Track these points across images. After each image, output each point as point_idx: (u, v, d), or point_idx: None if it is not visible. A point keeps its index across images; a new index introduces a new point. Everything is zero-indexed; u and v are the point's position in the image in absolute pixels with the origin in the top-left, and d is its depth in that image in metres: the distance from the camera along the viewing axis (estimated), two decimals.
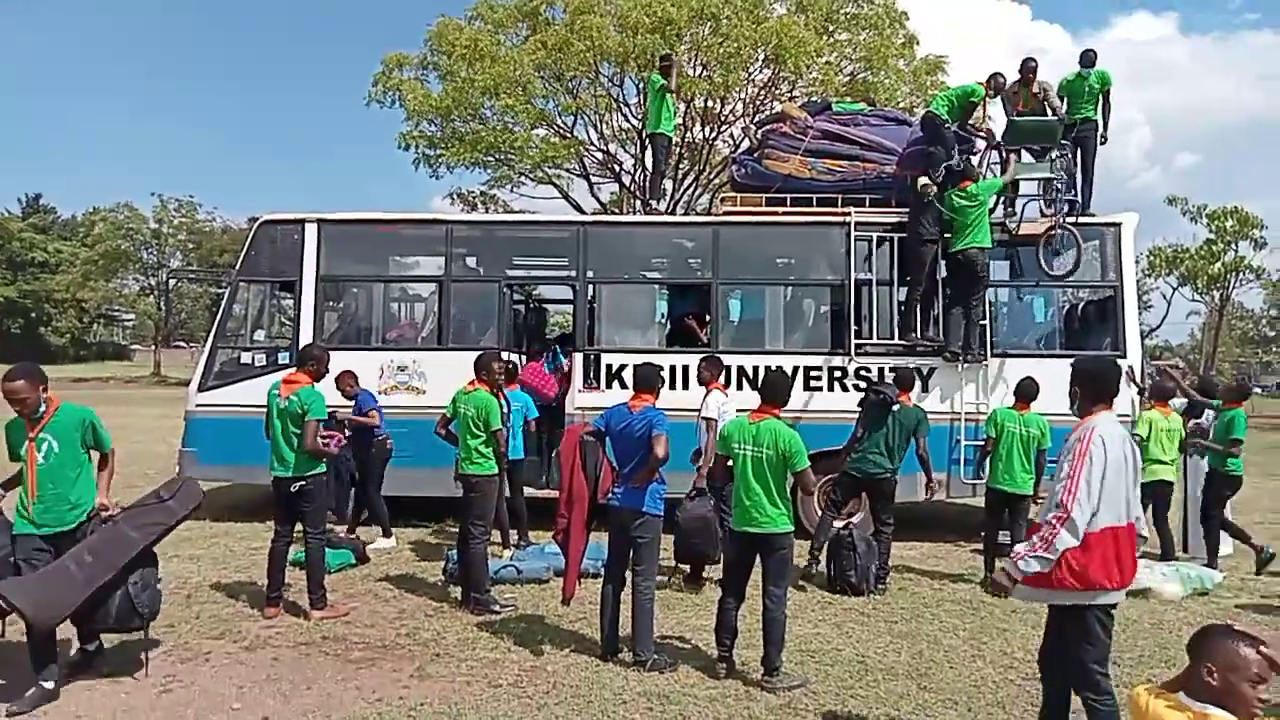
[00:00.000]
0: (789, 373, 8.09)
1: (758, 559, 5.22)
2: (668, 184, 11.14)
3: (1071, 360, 4.39)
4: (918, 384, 8.45)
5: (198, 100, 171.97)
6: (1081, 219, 9.24)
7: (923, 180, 8.87)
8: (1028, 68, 9.63)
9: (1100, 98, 9.53)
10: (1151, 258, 34.88)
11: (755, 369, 9.06)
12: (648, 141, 11.00)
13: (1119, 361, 8.01)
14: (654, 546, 5.45)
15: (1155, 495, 8.07)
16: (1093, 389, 3.90)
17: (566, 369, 9.57)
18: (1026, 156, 9.56)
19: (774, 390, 5.35)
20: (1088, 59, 9.57)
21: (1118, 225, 9.22)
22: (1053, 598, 3.76)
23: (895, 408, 7.46)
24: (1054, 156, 9.24)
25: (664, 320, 9.87)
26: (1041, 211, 9.34)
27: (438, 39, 23.71)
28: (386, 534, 8.46)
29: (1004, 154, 9.34)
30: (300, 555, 6.57)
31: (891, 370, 8.71)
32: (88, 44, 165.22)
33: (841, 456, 7.59)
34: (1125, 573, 3.68)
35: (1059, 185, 9.11)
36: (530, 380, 9.37)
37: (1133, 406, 8.91)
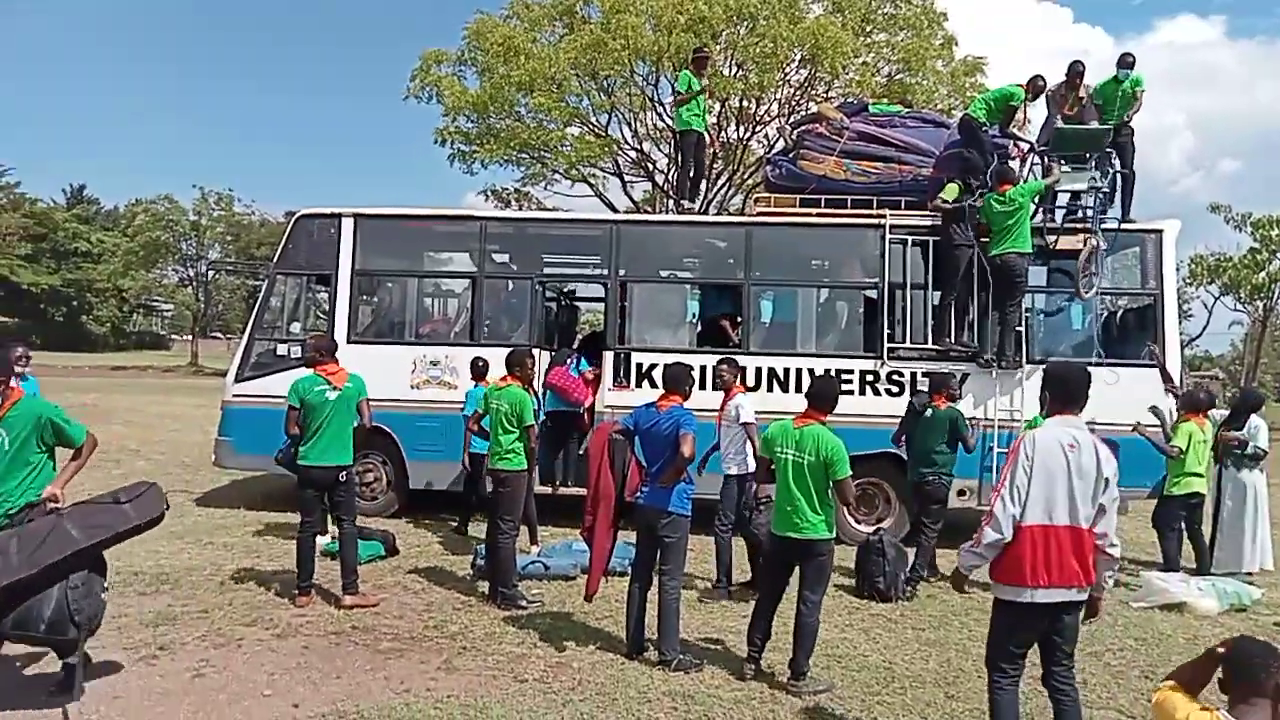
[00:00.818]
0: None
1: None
2: (701, 184, 11.05)
3: (1044, 366, 4.52)
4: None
5: (238, 97, 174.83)
6: (1122, 225, 9.11)
7: (942, 195, 8.81)
8: (1075, 70, 9.44)
9: (1133, 101, 9.41)
10: (1193, 266, 34.18)
11: (786, 371, 9.04)
12: (679, 139, 10.93)
13: (1088, 369, 7.97)
14: (681, 546, 5.45)
15: (1189, 508, 7.93)
16: (1059, 394, 4.06)
17: (592, 375, 9.49)
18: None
19: (821, 396, 5.28)
20: (1125, 61, 9.41)
21: (1159, 232, 9.06)
22: (994, 590, 3.97)
23: (926, 412, 7.42)
24: (1094, 175, 9.00)
25: (695, 320, 9.86)
26: (1086, 221, 9.14)
27: (475, 35, 23.86)
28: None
29: (1045, 160, 9.20)
30: (331, 546, 6.66)
31: (925, 375, 8.64)
32: (135, 44, 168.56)
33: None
34: (1057, 574, 3.78)
35: (1102, 196, 8.97)
36: (560, 384, 9.26)
37: (1170, 416, 8.76)
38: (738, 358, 9.04)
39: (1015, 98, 9.13)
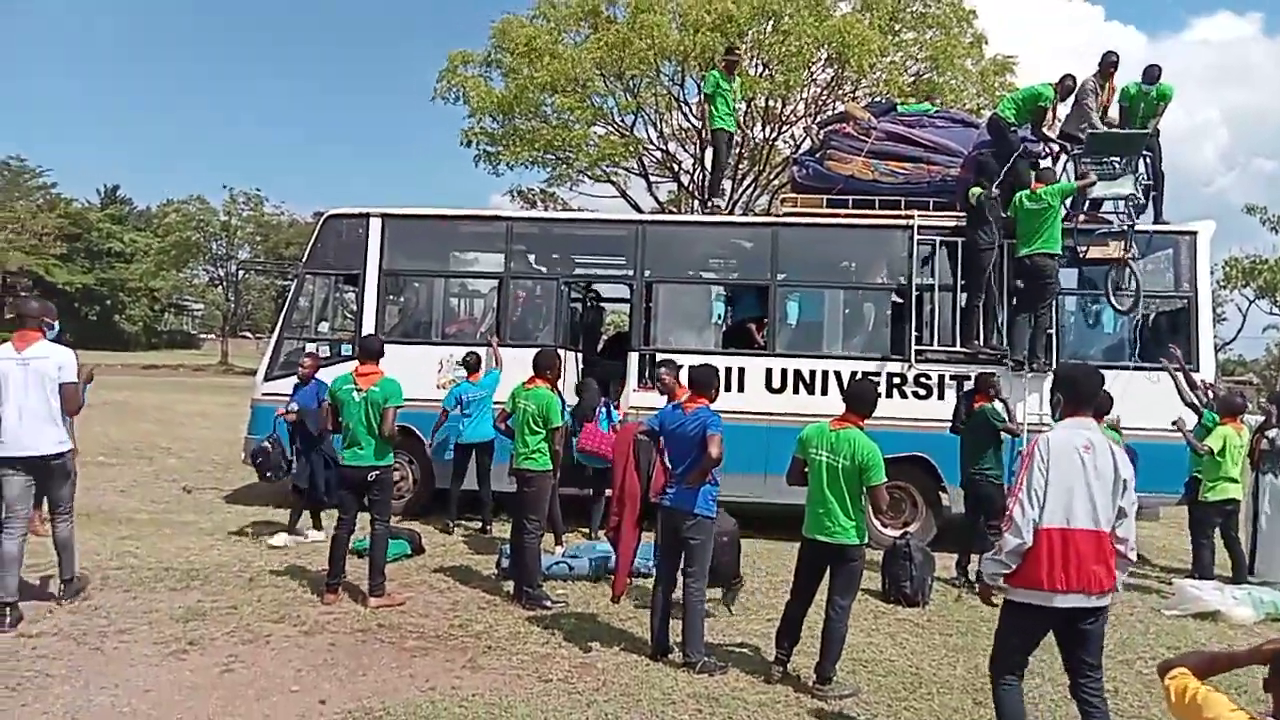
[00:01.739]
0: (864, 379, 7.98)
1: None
2: (727, 184, 11.03)
3: (1056, 368, 4.54)
4: None
5: (267, 98, 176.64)
6: (1155, 227, 8.98)
7: (973, 190, 8.72)
8: (1108, 60, 9.37)
9: (1158, 113, 9.31)
10: (1227, 268, 33.61)
11: (812, 373, 8.98)
12: (709, 138, 10.91)
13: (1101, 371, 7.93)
14: (706, 548, 5.42)
15: (1225, 514, 7.79)
16: (1070, 395, 4.00)
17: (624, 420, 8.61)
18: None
19: (859, 399, 5.21)
20: (1151, 75, 9.31)
21: (1193, 234, 8.91)
22: (1009, 594, 3.93)
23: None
24: (1134, 186, 8.86)
25: (720, 321, 9.82)
26: (1122, 226, 8.96)
27: (501, 36, 23.94)
28: (319, 526, 8.26)
29: (1079, 163, 9.05)
30: (360, 544, 6.71)
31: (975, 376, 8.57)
32: (165, 44, 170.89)
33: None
34: (1075, 577, 3.73)
35: (1138, 202, 8.84)
36: (593, 448, 8.15)
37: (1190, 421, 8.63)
38: (762, 358, 9.07)
39: (1044, 98, 9.01)
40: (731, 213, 10.56)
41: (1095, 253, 8.86)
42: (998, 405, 7.71)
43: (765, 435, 8.40)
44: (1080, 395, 4.00)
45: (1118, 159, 8.90)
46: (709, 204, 10.59)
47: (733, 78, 10.89)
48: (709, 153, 10.86)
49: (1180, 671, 2.36)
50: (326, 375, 7.99)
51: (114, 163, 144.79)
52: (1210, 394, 8.30)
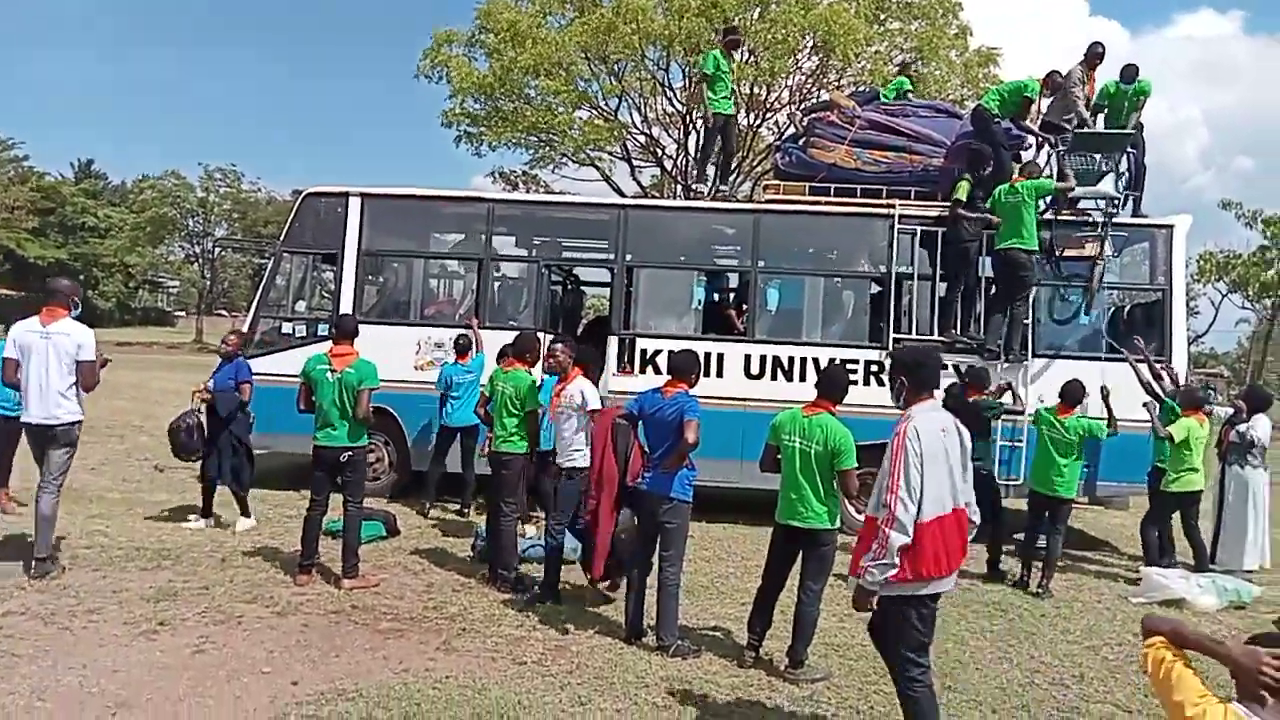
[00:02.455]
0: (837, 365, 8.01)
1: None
2: (710, 169, 10.96)
3: (890, 351, 4.50)
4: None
5: (245, 70, 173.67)
6: (1133, 220, 9.08)
7: (960, 183, 8.77)
8: (1094, 52, 9.39)
9: (1139, 107, 9.37)
10: (1201, 263, 34.07)
11: (791, 360, 9.01)
12: (710, 122, 10.76)
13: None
14: (682, 532, 5.44)
15: (1184, 504, 7.92)
16: (915, 379, 3.93)
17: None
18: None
19: (831, 385, 5.21)
20: (1128, 74, 9.38)
21: (1169, 228, 9.00)
22: (885, 590, 3.77)
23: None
24: (1113, 191, 8.90)
25: (700, 307, 9.82)
26: (1098, 226, 9.02)
27: (486, 16, 23.73)
28: (248, 514, 7.93)
29: (1062, 157, 9.06)
30: (334, 525, 6.67)
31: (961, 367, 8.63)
32: (144, 13, 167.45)
33: None
34: (954, 559, 3.76)
35: (1114, 202, 8.90)
36: None
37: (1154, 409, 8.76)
38: (742, 344, 9.09)
39: (1029, 90, 9.05)
40: (714, 199, 10.46)
41: (1070, 251, 8.93)
42: (1006, 397, 7.88)
43: (743, 421, 8.43)
44: (926, 379, 3.96)
45: (1100, 155, 8.95)
46: (719, 192, 10.48)
47: (732, 59, 10.78)
48: (713, 138, 10.70)
49: (1159, 641, 2.38)
50: (303, 355, 7.90)
51: (88, 138, 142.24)
52: (1175, 386, 8.40)
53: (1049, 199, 8.90)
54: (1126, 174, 9.11)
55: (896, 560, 3.65)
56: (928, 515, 3.69)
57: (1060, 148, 9.09)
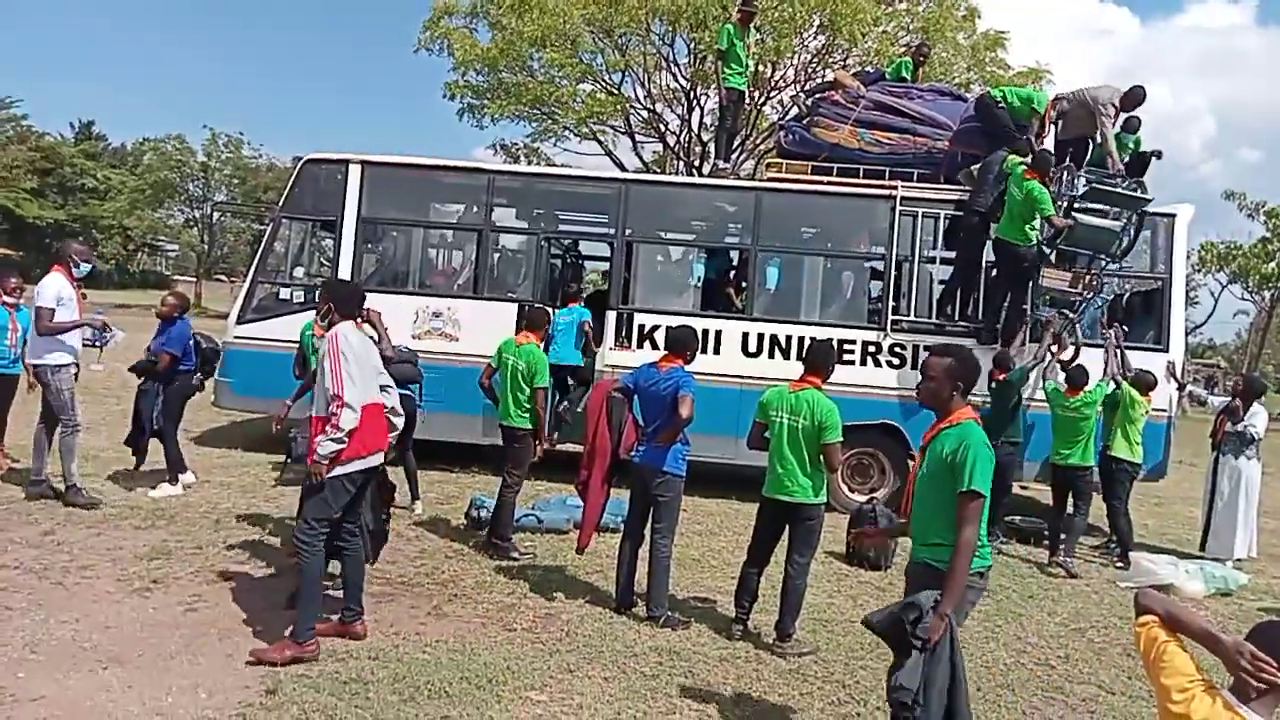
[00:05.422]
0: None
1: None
2: (712, 146, 10.92)
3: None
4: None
5: (250, 35, 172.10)
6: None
7: (975, 166, 8.71)
8: (1134, 96, 8.93)
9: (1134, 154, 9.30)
10: (1202, 253, 34.06)
11: (789, 338, 9.02)
12: (725, 98, 10.66)
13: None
14: (674, 505, 5.48)
15: (1113, 472, 7.94)
16: (341, 307, 4.66)
17: None
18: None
19: (818, 360, 5.26)
20: (1131, 126, 9.39)
21: (1171, 217, 8.98)
22: (347, 467, 4.51)
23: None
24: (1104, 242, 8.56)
25: (699, 283, 9.81)
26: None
27: None
28: (174, 481, 7.60)
29: (1072, 197, 8.63)
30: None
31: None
32: None
33: None
34: (380, 439, 4.71)
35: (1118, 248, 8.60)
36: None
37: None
38: (740, 322, 9.10)
39: (1038, 102, 9.04)
40: (715, 175, 10.43)
41: (1051, 279, 8.68)
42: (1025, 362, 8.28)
43: (739, 398, 8.44)
44: (350, 306, 4.76)
45: (1114, 209, 8.54)
46: (717, 167, 10.43)
47: (748, 31, 10.65)
48: (726, 114, 10.61)
49: (1152, 620, 2.39)
50: (299, 321, 7.88)
51: (90, 98, 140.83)
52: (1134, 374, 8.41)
53: (1038, 211, 8.29)
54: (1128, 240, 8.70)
55: (346, 438, 4.41)
56: (365, 400, 4.52)
57: (1079, 174, 8.79)
